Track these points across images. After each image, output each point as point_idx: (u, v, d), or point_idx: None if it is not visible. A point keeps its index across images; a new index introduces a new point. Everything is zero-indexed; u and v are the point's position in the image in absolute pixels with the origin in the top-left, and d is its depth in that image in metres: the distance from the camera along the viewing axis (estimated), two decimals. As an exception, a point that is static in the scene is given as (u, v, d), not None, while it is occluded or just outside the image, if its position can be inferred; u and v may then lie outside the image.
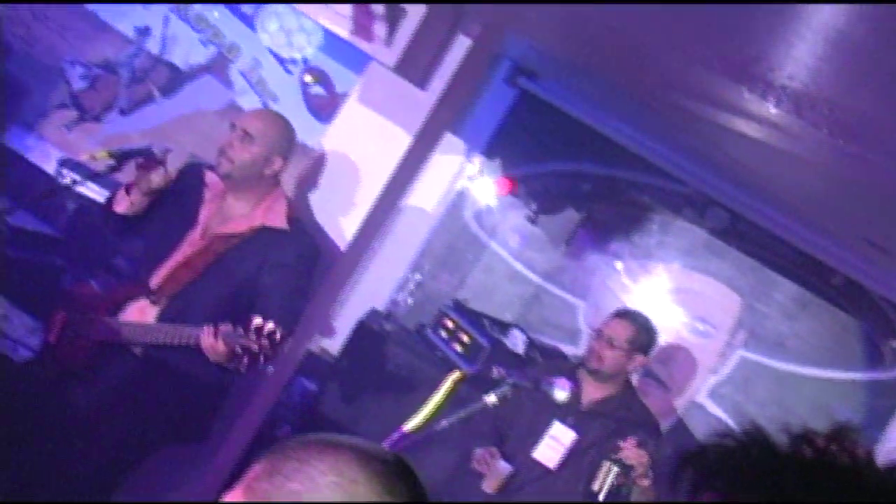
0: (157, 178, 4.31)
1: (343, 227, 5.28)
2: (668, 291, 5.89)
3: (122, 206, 4.39)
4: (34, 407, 4.19)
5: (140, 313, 4.27)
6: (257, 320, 3.82)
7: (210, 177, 4.47)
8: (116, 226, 4.48)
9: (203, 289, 4.27)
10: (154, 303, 4.27)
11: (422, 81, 5.20)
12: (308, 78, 6.26)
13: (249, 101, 6.29)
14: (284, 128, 4.55)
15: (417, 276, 5.98)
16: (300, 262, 4.35)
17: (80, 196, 5.68)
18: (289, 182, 5.70)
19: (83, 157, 4.44)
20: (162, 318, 4.24)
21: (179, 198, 4.45)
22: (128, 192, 4.36)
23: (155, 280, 4.31)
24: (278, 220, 4.38)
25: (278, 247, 4.31)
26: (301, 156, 5.83)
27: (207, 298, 4.26)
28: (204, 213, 4.41)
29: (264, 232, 4.34)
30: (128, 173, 4.40)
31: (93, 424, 4.17)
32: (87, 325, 4.29)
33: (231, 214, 4.42)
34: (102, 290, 4.52)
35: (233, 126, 4.42)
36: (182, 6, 6.36)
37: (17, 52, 6.29)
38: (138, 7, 6.38)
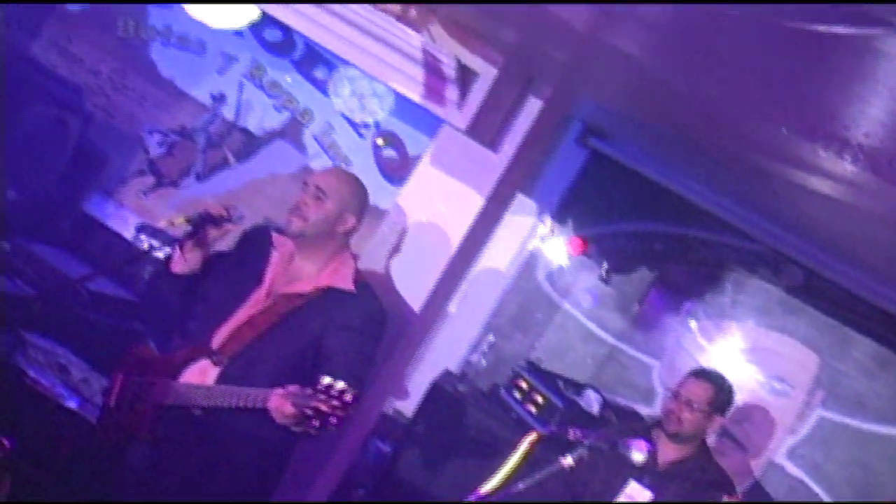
0: (213, 232, 4.27)
1: (416, 289, 5.28)
2: (744, 350, 5.82)
3: (177, 265, 4.34)
4: (99, 469, 4.16)
5: (201, 374, 4.17)
6: (327, 379, 3.71)
7: (278, 238, 4.43)
8: (173, 286, 4.40)
9: (267, 349, 4.18)
10: (215, 363, 4.17)
11: (493, 143, 5.24)
12: (380, 141, 6.35)
13: (322, 165, 6.37)
14: (357, 186, 4.50)
15: (491, 338, 5.98)
16: (367, 325, 4.24)
17: (158, 261, 5.71)
18: (362, 245, 5.76)
19: (161, 224, 4.43)
20: (223, 378, 4.14)
21: (244, 258, 4.42)
22: (182, 250, 4.30)
23: (216, 340, 4.22)
24: (345, 281, 4.29)
25: (344, 309, 4.22)
26: (374, 218, 5.87)
27: (271, 359, 4.16)
28: (270, 274, 4.34)
29: (331, 293, 4.26)
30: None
31: (154, 489, 4.13)
32: (146, 387, 4.23)
33: (298, 275, 4.35)
34: (162, 351, 4.47)
35: (305, 184, 4.37)
36: (256, 73, 6.49)
37: (98, 121, 6.45)
38: (214, 74, 6.54)
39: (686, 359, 5.81)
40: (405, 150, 6.28)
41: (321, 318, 4.22)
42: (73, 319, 5.40)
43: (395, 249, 5.36)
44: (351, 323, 4.19)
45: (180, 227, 4.24)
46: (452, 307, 5.89)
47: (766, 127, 3.47)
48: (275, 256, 4.38)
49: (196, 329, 4.32)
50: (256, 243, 4.45)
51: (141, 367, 4.32)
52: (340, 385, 3.69)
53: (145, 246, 6.05)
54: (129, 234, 6.33)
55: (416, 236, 5.39)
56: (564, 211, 5.96)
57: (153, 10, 6.61)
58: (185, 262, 4.32)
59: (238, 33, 6.45)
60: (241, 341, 4.18)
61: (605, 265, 5.88)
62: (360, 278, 4.36)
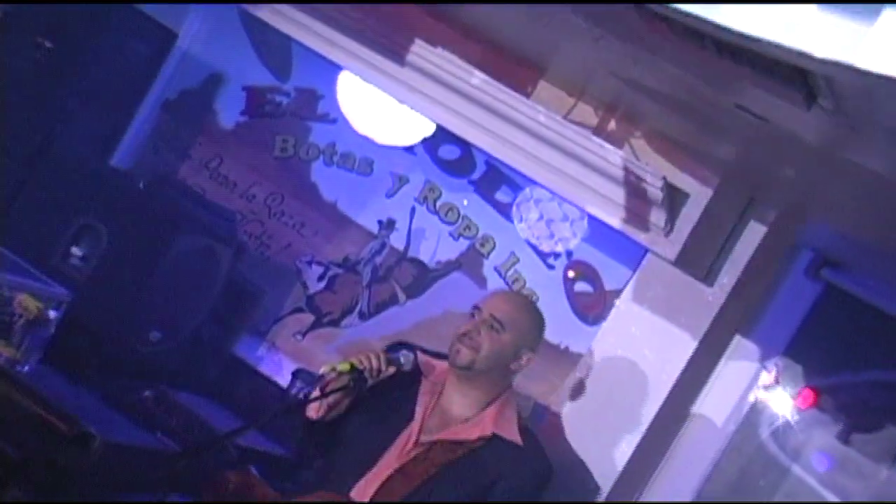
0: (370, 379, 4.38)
1: (617, 447, 5.34)
2: None
3: (315, 410, 4.46)
4: None
5: None
6: None
7: (427, 362, 4.56)
8: (309, 436, 4.57)
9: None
10: None
11: (707, 276, 5.27)
12: (572, 273, 6.34)
13: (505, 301, 6.41)
14: (537, 317, 4.63)
15: (705, 508, 5.90)
16: (535, 484, 4.37)
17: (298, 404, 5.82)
18: (550, 396, 5.81)
19: (321, 370, 4.48)
20: None
21: (390, 391, 4.50)
22: (324, 393, 4.41)
23: (361, 491, 4.30)
24: (511, 431, 4.40)
25: (514, 464, 4.33)
26: (565, 363, 5.99)
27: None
28: (420, 410, 4.45)
29: (495, 443, 4.37)
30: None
31: None
32: None
33: (452, 414, 4.46)
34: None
35: (477, 309, 4.49)
36: (429, 196, 6.64)
37: (252, 252, 6.65)
38: (382, 197, 6.69)
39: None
40: (602, 283, 6.27)
41: (488, 474, 4.32)
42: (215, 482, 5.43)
43: (592, 400, 5.42)
44: (521, 482, 4.32)
45: (345, 374, 4.35)
46: (658, 473, 5.85)
47: None
48: (425, 387, 4.50)
49: (331, 471, 4.46)
50: (406, 379, 4.54)
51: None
52: None
53: (302, 395, 6.20)
54: (283, 380, 6.44)
55: (615, 385, 5.43)
56: (793, 356, 5.87)
57: (315, 126, 6.84)
58: (327, 407, 4.44)
59: (409, 150, 6.61)
60: (393, 494, 4.27)
61: (844, 422, 5.76)
62: (522, 424, 4.46)
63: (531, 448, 4.42)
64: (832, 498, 5.91)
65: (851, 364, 5.89)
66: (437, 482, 4.29)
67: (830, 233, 5.41)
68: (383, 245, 6.71)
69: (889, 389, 5.85)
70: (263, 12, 5.79)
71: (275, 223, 6.85)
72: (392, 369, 4.44)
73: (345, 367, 4.35)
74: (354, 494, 4.30)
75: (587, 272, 6.34)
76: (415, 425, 4.42)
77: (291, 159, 6.90)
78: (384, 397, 4.49)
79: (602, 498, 5.35)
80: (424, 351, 4.65)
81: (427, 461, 4.33)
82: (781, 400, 5.95)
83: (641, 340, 5.42)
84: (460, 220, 6.63)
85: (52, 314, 5.11)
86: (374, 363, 4.36)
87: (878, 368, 5.88)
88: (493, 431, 4.36)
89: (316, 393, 4.45)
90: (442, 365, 4.62)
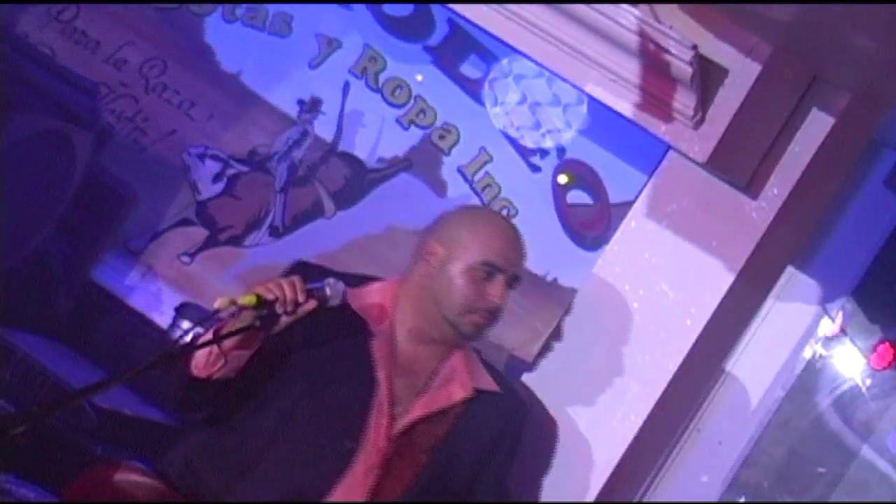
0: (282, 324, 4.28)
1: (622, 418, 5.31)
2: None
3: (204, 363, 4.35)
4: None
5: None
6: None
7: (371, 305, 4.57)
8: (191, 404, 4.51)
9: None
10: None
11: (751, 185, 5.23)
12: (565, 178, 6.35)
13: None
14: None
15: (741, 501, 5.90)
16: (524, 425, 4.77)
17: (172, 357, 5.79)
18: (535, 345, 5.80)
19: (216, 305, 4.24)
20: None
21: (326, 340, 4.49)
22: (218, 337, 4.26)
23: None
24: (485, 377, 4.66)
25: (507, 418, 4.68)
26: (552, 302, 6.03)
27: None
28: (382, 373, 4.48)
29: (482, 399, 4.59)
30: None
31: None
32: None
33: (416, 372, 4.57)
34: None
35: (496, 269, 4.55)
36: (369, 68, 6.59)
37: (121, 141, 6.59)
38: (304, 68, 6.64)
39: None
40: (605, 193, 6.27)
41: (484, 439, 4.61)
42: (70, 454, 5.44)
43: (590, 348, 5.42)
44: (517, 434, 4.72)
45: (248, 311, 4.20)
46: (677, 452, 5.87)
47: None
48: (376, 348, 4.51)
49: (267, 474, 4.41)
50: (339, 324, 4.51)
51: None
52: None
53: (188, 338, 6.06)
54: (162, 318, 6.43)
55: (621, 331, 5.41)
56: (866, 298, 5.86)
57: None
58: (221, 365, 4.33)
59: (344, 5, 6.56)
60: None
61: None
62: (483, 361, 4.76)
63: (508, 390, 4.75)
64: (913, 491, 5.93)
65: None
66: (434, 470, 4.50)
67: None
68: (304, 134, 6.67)
69: None
70: None
71: (154, 100, 6.78)
72: (312, 304, 4.30)
73: (248, 300, 4.17)
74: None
75: (585, 177, 6.34)
76: (382, 396, 4.45)
77: (177, 11, 6.81)
78: (318, 349, 4.48)
79: (598, 488, 5.35)
80: (352, 282, 4.55)
81: (414, 446, 4.49)
82: (849, 357, 5.93)
83: (658, 272, 5.38)
84: (412, 101, 6.59)
85: None
86: (290, 293, 4.21)
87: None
88: (475, 387, 4.59)
89: (207, 336, 4.32)
90: (382, 299, 4.65)
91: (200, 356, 4.34)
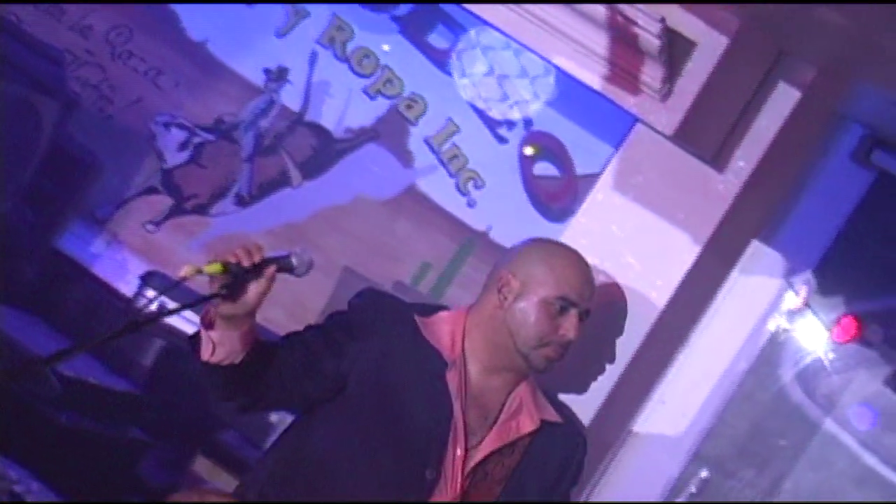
0: (252, 296, 4.09)
1: (585, 391, 5.28)
2: None
3: (203, 350, 4.19)
4: None
5: None
6: None
7: (441, 332, 4.52)
8: (213, 385, 4.31)
9: None
10: None
11: (717, 158, 5.23)
12: (531, 150, 6.37)
13: (437, 187, 6.44)
14: None
15: (703, 474, 5.94)
16: (582, 461, 4.68)
17: (173, 332, 5.78)
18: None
19: (181, 273, 4.34)
20: None
21: (396, 365, 4.44)
22: (207, 323, 4.16)
23: None
24: (548, 407, 4.62)
25: (570, 447, 4.65)
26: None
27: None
28: (457, 404, 4.46)
29: (547, 430, 4.56)
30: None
31: None
32: None
33: (487, 404, 4.53)
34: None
35: (571, 304, 4.52)
36: (336, 37, 6.58)
37: (87, 109, 6.58)
38: (270, 37, 6.64)
39: None
40: (571, 164, 6.30)
41: (550, 469, 4.59)
42: (35, 423, 5.47)
43: None
44: (581, 461, 4.66)
45: (213, 278, 4.18)
46: (640, 425, 5.89)
47: None
48: (450, 377, 4.48)
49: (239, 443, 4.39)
50: (414, 352, 4.49)
51: None
52: None
53: (153, 308, 6.05)
54: (127, 287, 6.42)
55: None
56: (830, 272, 5.89)
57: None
58: (212, 347, 4.17)
59: None
60: None
61: (897, 362, 5.79)
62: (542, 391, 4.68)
63: (570, 418, 4.74)
64: (876, 463, 5.93)
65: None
66: (506, 501, 4.51)
67: (887, 102, 5.37)
68: (271, 103, 6.69)
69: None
70: None
71: (120, 68, 6.79)
72: (271, 270, 4.13)
73: (214, 268, 3.97)
74: None
75: (552, 148, 6.37)
76: (458, 427, 4.44)
77: (145, -22, 6.82)
78: (396, 376, 4.44)
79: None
80: (422, 311, 4.56)
81: (487, 478, 4.52)
82: (812, 330, 5.97)
83: (624, 244, 5.36)
84: (379, 71, 6.61)
85: None
86: (256, 257, 4.06)
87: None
88: (541, 418, 4.57)
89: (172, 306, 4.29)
90: (453, 329, 4.61)
91: (206, 344, 4.20)
